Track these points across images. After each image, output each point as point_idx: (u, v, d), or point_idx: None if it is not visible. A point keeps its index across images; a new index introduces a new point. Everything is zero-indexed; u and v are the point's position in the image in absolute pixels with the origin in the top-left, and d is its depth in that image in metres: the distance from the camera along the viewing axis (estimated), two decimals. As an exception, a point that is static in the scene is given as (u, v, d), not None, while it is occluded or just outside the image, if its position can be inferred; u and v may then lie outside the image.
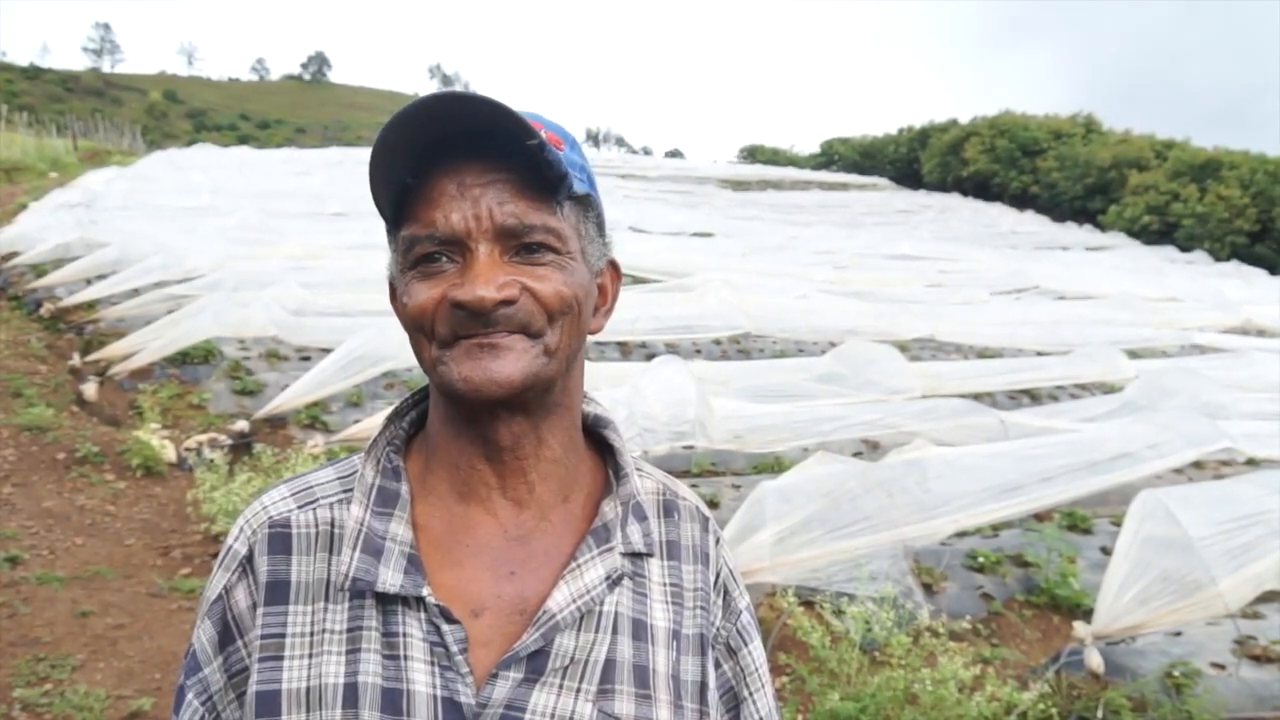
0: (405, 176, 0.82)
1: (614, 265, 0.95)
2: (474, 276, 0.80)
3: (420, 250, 0.82)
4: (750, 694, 0.99)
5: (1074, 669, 4.28)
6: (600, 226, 0.91)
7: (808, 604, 4.49)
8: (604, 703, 0.84)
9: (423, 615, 0.82)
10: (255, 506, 0.90)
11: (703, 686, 0.91)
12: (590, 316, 0.90)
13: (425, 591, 0.82)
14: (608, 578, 0.87)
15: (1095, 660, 4.26)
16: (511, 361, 0.81)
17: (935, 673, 3.46)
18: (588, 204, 0.88)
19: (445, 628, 0.81)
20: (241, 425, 7.09)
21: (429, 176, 0.82)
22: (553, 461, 0.89)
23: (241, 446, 6.75)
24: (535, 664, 0.82)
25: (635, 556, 0.91)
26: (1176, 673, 4.18)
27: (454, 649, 0.81)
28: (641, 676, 0.87)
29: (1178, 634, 4.62)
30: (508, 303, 0.81)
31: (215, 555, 0.92)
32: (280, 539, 0.87)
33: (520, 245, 0.82)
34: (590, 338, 0.92)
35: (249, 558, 0.87)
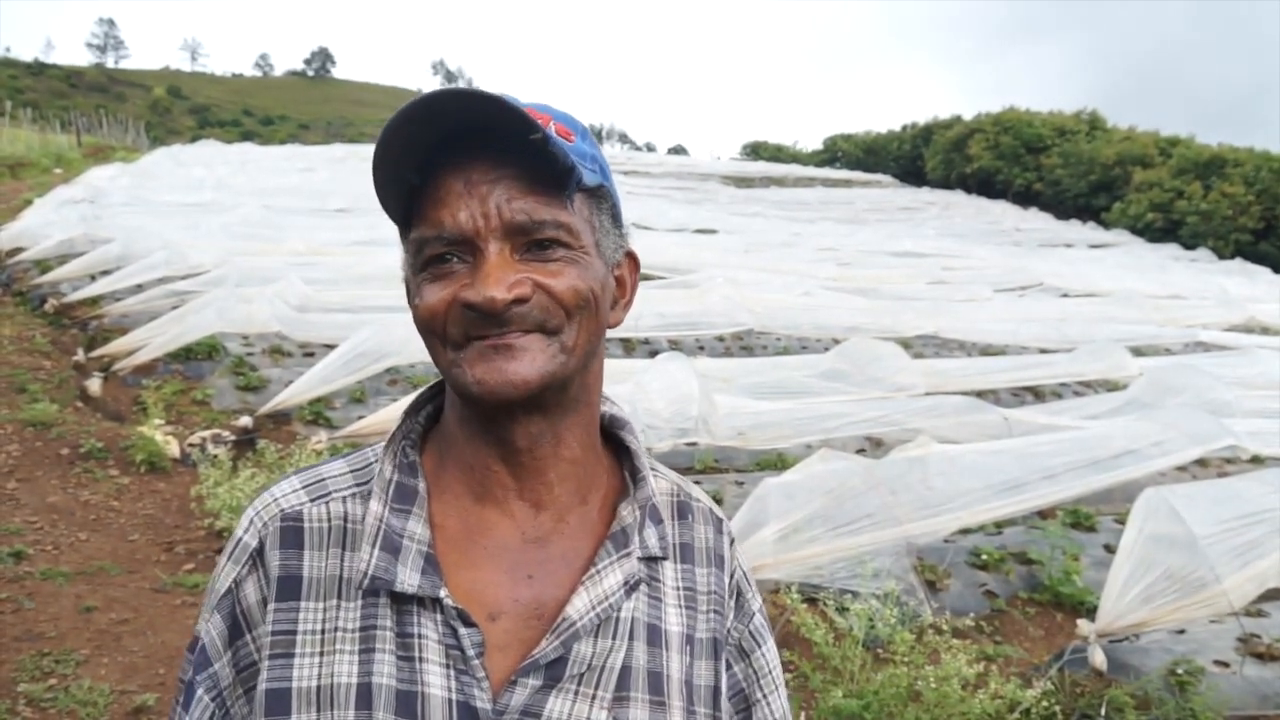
0: (411, 177, 0.80)
1: (632, 256, 0.92)
2: (484, 276, 0.78)
3: (430, 251, 0.80)
4: (764, 696, 0.98)
5: (1077, 667, 4.28)
6: (615, 218, 0.89)
7: (811, 601, 4.49)
8: (619, 709, 0.83)
9: (439, 617, 0.81)
10: (265, 498, 0.88)
11: (715, 691, 0.90)
12: (608, 311, 0.87)
13: (443, 593, 0.80)
14: (626, 583, 0.85)
15: (1099, 658, 4.25)
16: (527, 362, 0.79)
17: (938, 670, 3.46)
18: (601, 195, 0.86)
19: (462, 631, 0.80)
20: (245, 421, 7.10)
21: (436, 176, 0.79)
22: (571, 462, 0.87)
23: (245, 442, 6.75)
24: (553, 671, 0.81)
25: (650, 560, 0.89)
26: (1180, 670, 4.17)
27: (470, 653, 0.80)
28: (656, 683, 0.86)
29: (1181, 632, 4.61)
30: (520, 301, 0.78)
31: (219, 551, 0.91)
32: (292, 533, 0.85)
33: (531, 242, 0.80)
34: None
35: (260, 551, 0.85)
